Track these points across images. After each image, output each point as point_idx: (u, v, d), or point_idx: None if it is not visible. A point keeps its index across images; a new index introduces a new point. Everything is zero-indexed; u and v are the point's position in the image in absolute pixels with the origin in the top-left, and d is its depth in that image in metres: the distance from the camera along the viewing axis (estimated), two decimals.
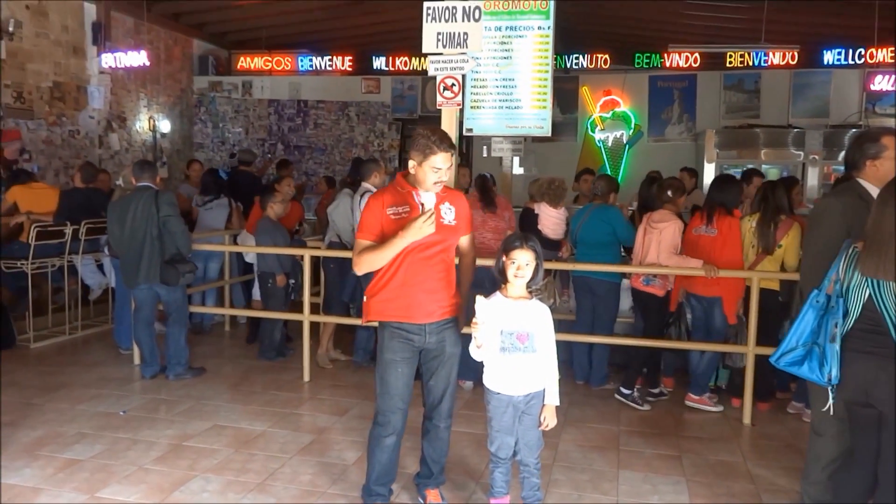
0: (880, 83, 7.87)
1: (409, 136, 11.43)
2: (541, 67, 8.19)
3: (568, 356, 5.45)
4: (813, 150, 8.97)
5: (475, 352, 2.93)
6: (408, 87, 11.20)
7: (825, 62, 9.77)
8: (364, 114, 11.22)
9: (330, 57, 11.31)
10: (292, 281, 5.69)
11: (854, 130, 8.85)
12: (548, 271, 5.46)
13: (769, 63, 9.93)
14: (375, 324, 3.14)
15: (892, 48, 9.49)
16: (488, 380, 3.00)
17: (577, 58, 10.44)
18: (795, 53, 9.71)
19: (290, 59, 11.42)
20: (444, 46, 5.82)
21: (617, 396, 4.91)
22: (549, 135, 8.05)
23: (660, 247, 4.70)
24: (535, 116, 7.98)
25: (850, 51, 9.65)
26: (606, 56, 10.41)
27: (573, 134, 10.72)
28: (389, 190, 3.08)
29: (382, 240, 2.95)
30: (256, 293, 6.29)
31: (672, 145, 10.40)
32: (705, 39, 9.48)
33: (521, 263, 2.88)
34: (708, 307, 4.71)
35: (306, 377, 5.37)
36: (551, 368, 2.95)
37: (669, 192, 4.87)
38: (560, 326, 6.02)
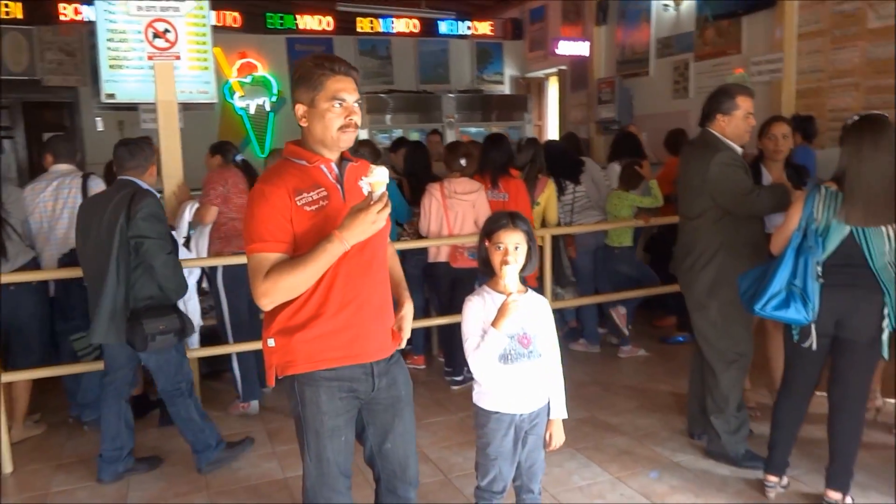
0: (564, 48, 8.93)
1: None
2: (197, 20, 6.95)
3: None
4: (449, 113, 9.66)
5: (472, 357, 2.25)
6: None
7: (441, 32, 10.53)
8: None
9: None
10: None
11: (473, 94, 9.88)
12: None
13: (395, 31, 10.27)
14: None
15: (491, 22, 10.79)
16: (483, 398, 2.35)
17: None
18: (417, 22, 10.26)
19: None
20: None
21: (454, 388, 4.52)
22: (216, 101, 6.92)
23: (479, 218, 4.35)
24: (196, 79, 6.74)
25: (460, 23, 10.60)
26: (236, 14, 9.35)
27: None
28: (285, 167, 2.04)
29: (296, 248, 1.97)
30: None
31: None
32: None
33: (510, 247, 2.28)
34: None
35: (7, 467, 3.58)
36: (558, 374, 2.44)
37: (463, 161, 4.47)
38: None
